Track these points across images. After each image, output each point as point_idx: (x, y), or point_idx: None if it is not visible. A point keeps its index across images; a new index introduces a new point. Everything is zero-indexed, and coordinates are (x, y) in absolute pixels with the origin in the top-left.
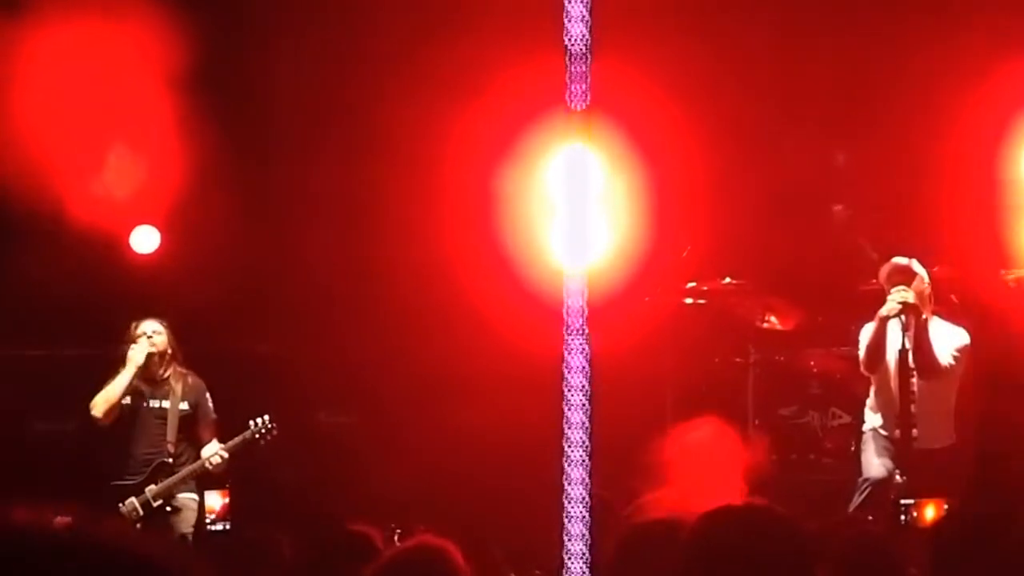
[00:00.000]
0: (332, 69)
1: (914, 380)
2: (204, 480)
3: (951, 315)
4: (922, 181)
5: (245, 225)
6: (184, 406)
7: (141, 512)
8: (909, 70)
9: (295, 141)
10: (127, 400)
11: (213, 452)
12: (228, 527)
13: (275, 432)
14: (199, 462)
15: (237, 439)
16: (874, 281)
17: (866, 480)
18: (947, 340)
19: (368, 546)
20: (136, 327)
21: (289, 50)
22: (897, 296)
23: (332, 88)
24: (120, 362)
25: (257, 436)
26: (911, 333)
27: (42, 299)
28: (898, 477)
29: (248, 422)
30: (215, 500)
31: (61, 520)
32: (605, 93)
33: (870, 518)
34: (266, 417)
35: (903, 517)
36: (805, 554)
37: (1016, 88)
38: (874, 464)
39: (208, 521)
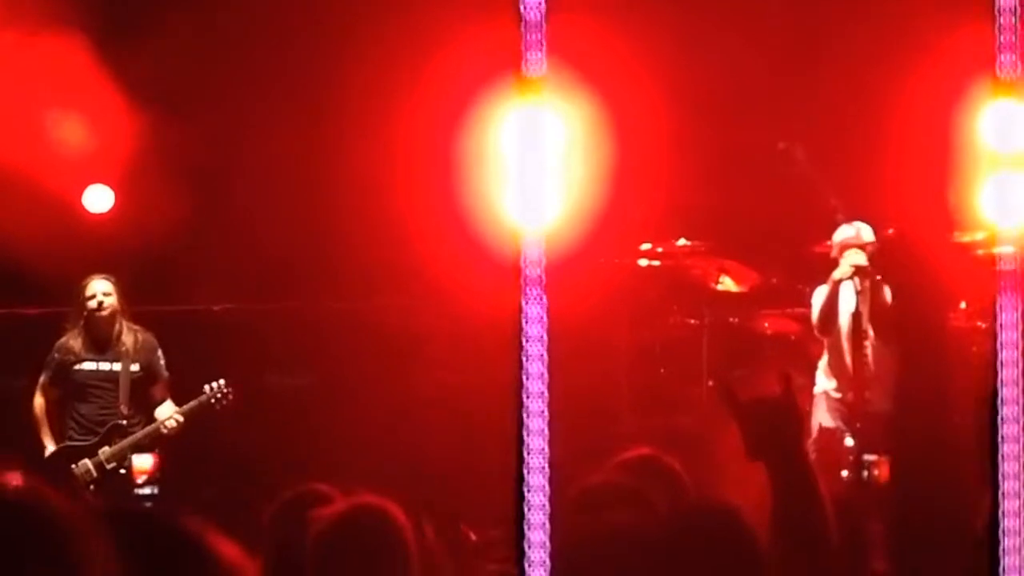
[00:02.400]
0: (286, 30)
1: (867, 343)
2: (158, 441)
3: (901, 277)
4: (874, 144)
5: (198, 185)
6: (135, 367)
7: (95, 474)
8: (862, 32)
9: (249, 100)
10: (78, 366)
11: (168, 416)
12: (157, 491)
13: (231, 396)
14: (153, 426)
15: (193, 403)
16: (828, 243)
17: (815, 442)
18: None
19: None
20: (85, 287)
21: (242, 10)
22: (850, 259)
23: (286, 49)
24: (68, 323)
25: (213, 401)
26: (866, 296)
27: None
28: (848, 439)
29: (204, 386)
30: (144, 461)
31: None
32: (561, 56)
33: None
34: (222, 381)
35: (864, 473)
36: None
37: (969, 50)
38: (821, 416)
39: (139, 483)
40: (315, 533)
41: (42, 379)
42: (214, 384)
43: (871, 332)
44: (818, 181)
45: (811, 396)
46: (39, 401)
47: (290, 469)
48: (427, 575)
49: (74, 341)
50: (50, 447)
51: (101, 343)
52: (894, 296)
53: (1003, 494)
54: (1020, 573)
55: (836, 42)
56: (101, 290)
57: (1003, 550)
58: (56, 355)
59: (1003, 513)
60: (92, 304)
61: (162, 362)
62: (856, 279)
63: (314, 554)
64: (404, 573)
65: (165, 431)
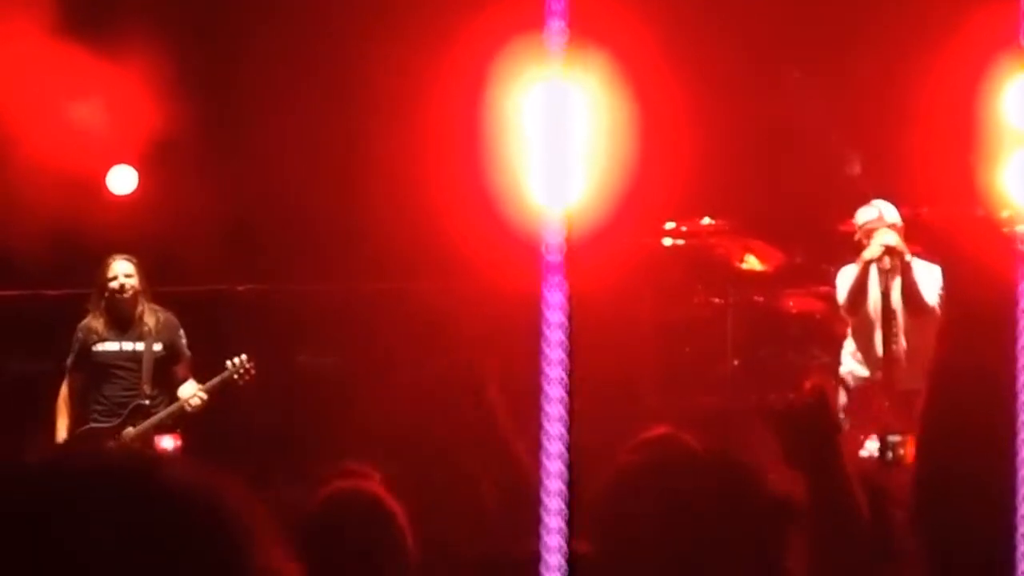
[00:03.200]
0: (312, 12)
1: (895, 323)
2: (181, 421)
3: (926, 256)
4: (899, 122)
5: (224, 165)
6: (158, 347)
7: None
8: (887, 10)
9: (276, 82)
10: (100, 347)
11: (192, 393)
12: None
13: (253, 372)
14: (177, 404)
15: (215, 379)
16: (853, 222)
17: (843, 418)
18: (930, 279)
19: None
20: (107, 268)
21: None
22: (880, 239)
23: (313, 31)
24: (90, 304)
25: (236, 376)
26: (895, 276)
27: (19, 240)
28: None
29: (225, 362)
30: (167, 443)
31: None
32: (586, 31)
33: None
34: (244, 356)
35: (889, 453)
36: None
37: (993, 28)
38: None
39: None
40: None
41: (68, 362)
42: (236, 360)
43: (899, 312)
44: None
45: (837, 375)
46: (64, 388)
47: (318, 450)
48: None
49: (96, 322)
50: (61, 434)
51: (123, 324)
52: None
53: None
54: None
55: (863, 20)
56: (123, 271)
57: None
58: (79, 335)
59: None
60: (114, 285)
61: (184, 341)
62: (886, 259)
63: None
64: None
65: (189, 409)
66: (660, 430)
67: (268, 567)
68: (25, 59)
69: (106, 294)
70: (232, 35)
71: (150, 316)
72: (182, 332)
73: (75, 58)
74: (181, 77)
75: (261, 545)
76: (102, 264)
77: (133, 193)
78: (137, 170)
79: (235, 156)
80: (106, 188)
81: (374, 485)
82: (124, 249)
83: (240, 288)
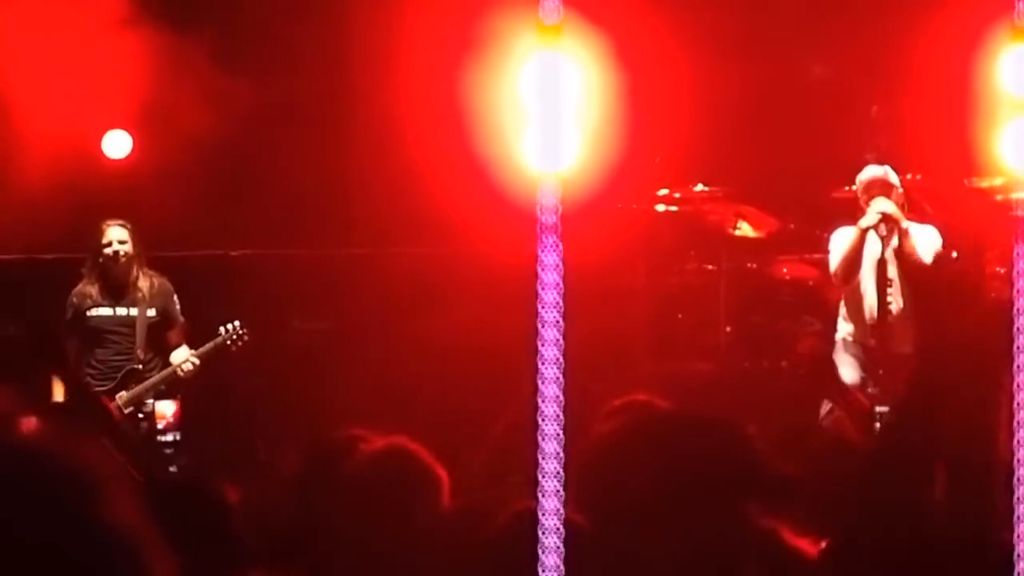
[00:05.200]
0: None
1: (891, 289)
2: (174, 386)
3: (923, 221)
4: (894, 89)
5: (215, 132)
6: (151, 312)
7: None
8: None
9: (264, 46)
10: (94, 312)
11: (184, 359)
12: (179, 437)
13: (246, 338)
14: (169, 369)
15: (208, 345)
16: (847, 188)
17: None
18: (928, 242)
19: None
20: (101, 234)
21: None
22: (877, 206)
23: None
24: (84, 268)
25: (228, 342)
26: (890, 242)
27: (16, 204)
28: (871, 388)
29: (219, 328)
30: (167, 408)
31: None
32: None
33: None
34: (237, 323)
35: (878, 424)
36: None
37: None
38: (843, 370)
39: (160, 429)
40: (348, 473)
41: (63, 327)
42: (229, 325)
43: (896, 279)
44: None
45: (832, 342)
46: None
47: (311, 414)
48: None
49: (90, 287)
50: (57, 395)
51: (117, 289)
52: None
53: (1019, 441)
54: None
55: None
56: (116, 237)
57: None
58: (73, 300)
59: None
60: (108, 251)
61: (177, 307)
62: (882, 226)
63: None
64: (435, 510)
65: (182, 374)
66: (630, 396)
67: (120, 521)
68: (19, 26)
69: (100, 259)
70: (224, 5)
71: (144, 281)
72: (176, 298)
73: (70, 21)
74: (175, 43)
75: (112, 499)
76: (96, 229)
77: (128, 157)
78: (131, 134)
79: (226, 122)
80: (101, 152)
81: (410, 443)
82: (118, 213)
83: (234, 253)
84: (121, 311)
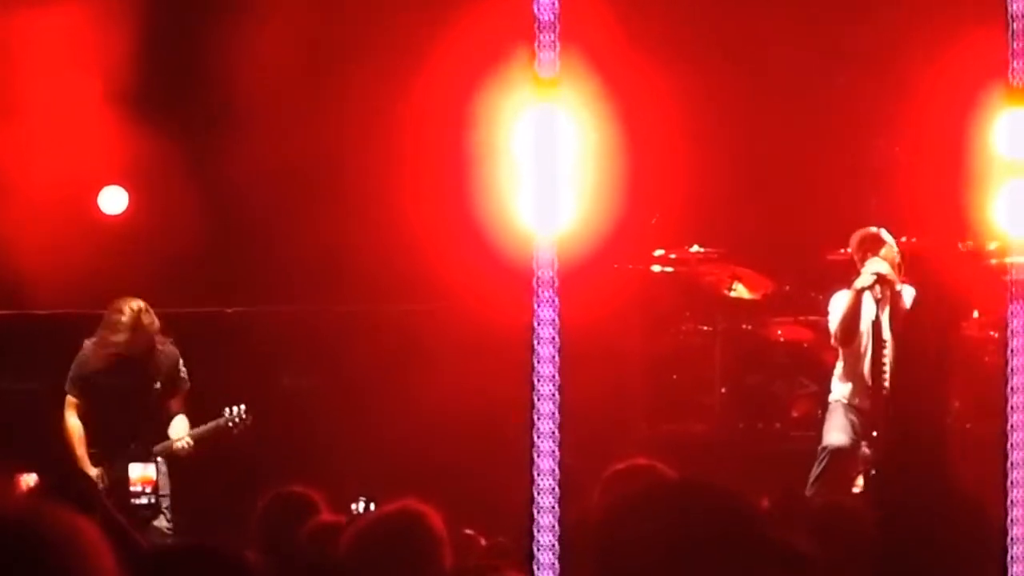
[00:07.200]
0: (296, 33)
1: (886, 351)
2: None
3: (918, 285)
4: (888, 152)
5: (211, 189)
6: (158, 385)
7: (106, 482)
8: (874, 41)
9: (258, 107)
10: (97, 378)
11: (181, 439)
12: (153, 500)
13: (249, 422)
14: (166, 444)
15: (210, 425)
16: (842, 251)
17: (824, 448)
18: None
19: (308, 506)
20: (121, 308)
21: (254, 13)
22: (872, 267)
23: (297, 53)
24: (97, 336)
25: (231, 424)
26: (886, 304)
27: (11, 260)
28: (864, 448)
29: (223, 409)
30: (147, 471)
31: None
32: (576, 56)
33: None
34: (242, 407)
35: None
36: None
37: (980, 59)
38: (834, 433)
39: (136, 492)
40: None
41: (66, 387)
42: (234, 408)
43: (890, 340)
44: None
45: (826, 404)
46: (68, 412)
47: (297, 471)
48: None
49: (98, 352)
50: (80, 454)
51: (127, 362)
52: (914, 304)
53: (1012, 501)
54: None
55: (851, 49)
56: (137, 307)
57: (1012, 557)
58: (80, 362)
59: (1013, 520)
60: (124, 320)
61: (183, 373)
62: (877, 287)
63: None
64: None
65: (176, 450)
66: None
67: None
68: (16, 79)
69: (118, 337)
70: (218, 62)
71: (161, 347)
72: (181, 363)
73: (68, 79)
74: (171, 101)
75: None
76: (116, 305)
77: (124, 213)
78: (128, 191)
79: (222, 179)
80: (97, 208)
81: (417, 503)
82: (114, 269)
83: (228, 310)
84: (125, 379)
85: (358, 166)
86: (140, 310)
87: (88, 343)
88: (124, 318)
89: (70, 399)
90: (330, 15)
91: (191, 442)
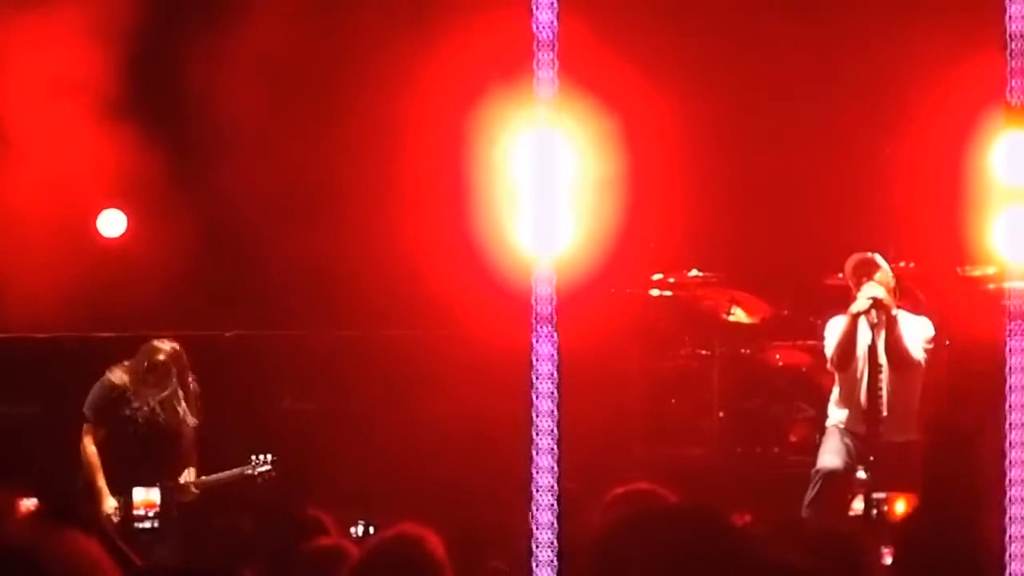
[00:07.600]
0: (295, 55)
1: (882, 376)
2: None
3: (915, 310)
4: (884, 176)
5: (210, 212)
6: (189, 421)
7: (120, 512)
8: (872, 65)
9: (258, 128)
10: (128, 410)
11: (187, 483)
12: (157, 524)
13: (274, 474)
14: (205, 479)
15: (235, 472)
16: (840, 275)
17: (817, 471)
18: (917, 332)
19: (318, 528)
20: (160, 352)
21: (251, 34)
22: (867, 292)
23: (295, 73)
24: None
25: (257, 475)
26: (881, 329)
27: (11, 283)
28: (861, 473)
29: (250, 457)
30: (150, 495)
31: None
32: (574, 81)
33: None
34: (270, 456)
35: (874, 511)
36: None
37: (979, 84)
38: (827, 456)
39: (140, 515)
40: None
41: (88, 413)
42: (262, 456)
43: (885, 365)
44: None
45: (823, 428)
46: (87, 441)
47: (298, 495)
48: None
49: (138, 391)
50: (102, 485)
51: (163, 400)
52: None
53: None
54: None
55: (848, 72)
56: (172, 348)
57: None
58: (101, 396)
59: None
60: (160, 358)
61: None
62: (872, 312)
63: None
64: None
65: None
66: (634, 485)
67: None
68: (15, 101)
69: (162, 379)
70: (215, 82)
71: (188, 392)
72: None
73: (67, 101)
74: (171, 123)
75: None
76: (152, 345)
77: (122, 236)
78: (127, 214)
79: (222, 202)
80: (96, 231)
81: (416, 528)
82: (113, 291)
83: (227, 334)
84: (159, 416)
85: (357, 189)
86: (177, 351)
87: (118, 374)
88: (162, 357)
89: (88, 427)
90: (328, 39)
91: (197, 491)
